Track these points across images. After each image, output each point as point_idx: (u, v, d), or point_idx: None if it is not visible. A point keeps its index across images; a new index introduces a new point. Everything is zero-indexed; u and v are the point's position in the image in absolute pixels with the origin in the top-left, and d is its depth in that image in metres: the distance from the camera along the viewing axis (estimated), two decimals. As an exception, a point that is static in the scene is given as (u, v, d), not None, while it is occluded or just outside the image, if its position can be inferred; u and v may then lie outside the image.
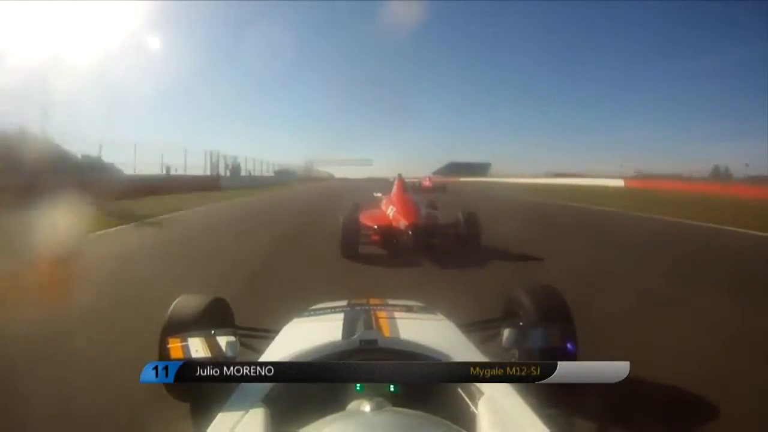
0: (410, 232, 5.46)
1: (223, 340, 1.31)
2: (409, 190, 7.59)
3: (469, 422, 0.93)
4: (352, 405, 0.78)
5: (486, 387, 0.98)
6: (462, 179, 63.86)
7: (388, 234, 5.75)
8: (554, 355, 1.62)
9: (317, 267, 5.22)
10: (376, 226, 5.85)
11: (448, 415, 1.00)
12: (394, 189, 7.18)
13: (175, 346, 1.32)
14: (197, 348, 1.31)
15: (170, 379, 1.16)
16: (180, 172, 24.72)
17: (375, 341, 1.13)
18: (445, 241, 5.94)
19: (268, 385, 1.00)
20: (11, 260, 4.96)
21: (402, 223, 5.66)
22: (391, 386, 1.05)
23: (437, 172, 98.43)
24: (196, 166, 27.54)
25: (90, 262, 5.47)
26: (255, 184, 32.55)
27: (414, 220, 5.66)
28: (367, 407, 0.73)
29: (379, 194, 7.90)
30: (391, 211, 6.23)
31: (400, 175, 7.86)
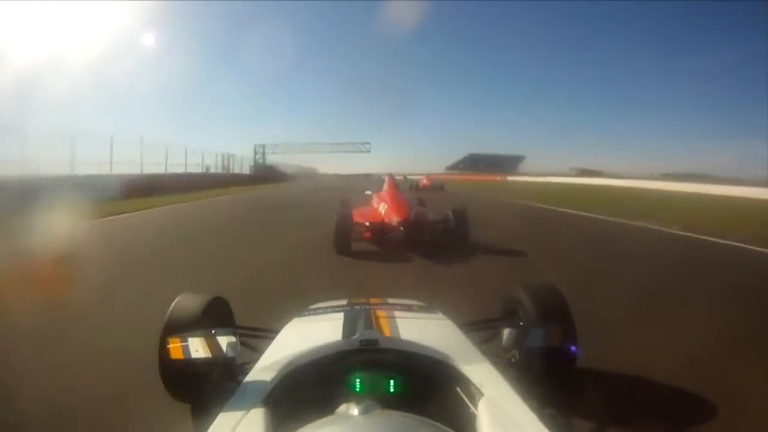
0: (401, 228, 5.70)
1: (223, 340, 1.31)
2: (399, 188, 7.91)
3: (468, 423, 0.93)
4: (341, 408, 0.76)
5: (485, 387, 0.98)
6: (488, 177, 50.89)
7: (380, 230, 5.91)
8: (555, 355, 1.63)
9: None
10: (368, 223, 5.99)
11: (448, 415, 1.00)
12: (385, 187, 7.50)
13: (175, 346, 1.32)
14: (197, 348, 1.31)
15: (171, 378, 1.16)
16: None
17: (375, 341, 1.13)
18: (436, 236, 6.13)
19: (268, 386, 1.00)
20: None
21: (394, 219, 5.87)
22: (391, 386, 1.05)
23: (452, 168, 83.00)
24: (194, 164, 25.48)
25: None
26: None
27: (405, 217, 5.88)
28: (356, 410, 0.71)
29: (369, 192, 8.09)
30: (383, 208, 6.45)
31: (390, 174, 8.35)
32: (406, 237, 5.73)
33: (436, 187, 22.78)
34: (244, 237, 7.70)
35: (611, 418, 1.89)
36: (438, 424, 0.74)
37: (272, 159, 48.88)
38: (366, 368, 1.08)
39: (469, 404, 0.98)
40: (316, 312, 1.53)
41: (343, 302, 1.54)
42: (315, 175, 63.48)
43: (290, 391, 1.03)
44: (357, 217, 6.08)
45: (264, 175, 38.86)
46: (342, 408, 0.76)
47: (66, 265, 4.84)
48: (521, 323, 1.78)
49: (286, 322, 1.47)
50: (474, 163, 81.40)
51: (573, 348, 1.71)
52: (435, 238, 6.07)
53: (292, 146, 51.22)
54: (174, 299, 1.82)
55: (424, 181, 23.85)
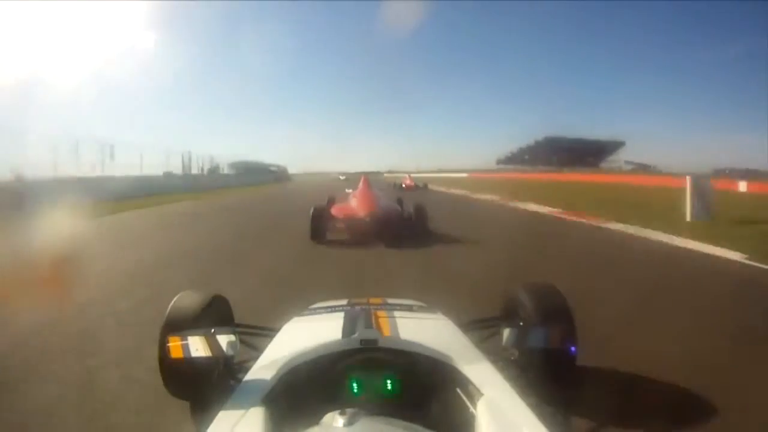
0: (368, 219, 6.48)
1: (222, 339, 1.31)
2: (373, 187, 8.79)
3: (467, 423, 0.93)
4: (326, 419, 0.75)
5: (485, 387, 0.98)
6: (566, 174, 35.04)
7: (352, 222, 6.67)
8: (554, 355, 1.63)
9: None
10: (342, 216, 6.81)
11: (447, 415, 1.00)
12: (360, 185, 8.53)
13: (175, 345, 1.32)
14: (197, 346, 1.31)
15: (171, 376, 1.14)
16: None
17: (375, 341, 1.13)
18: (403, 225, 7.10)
19: (267, 385, 1.00)
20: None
21: (362, 211, 6.71)
22: (390, 386, 1.06)
23: (506, 161, 58.03)
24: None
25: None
26: None
27: (372, 209, 6.71)
28: (340, 421, 0.70)
29: (350, 190, 8.89)
30: (355, 202, 7.45)
31: (366, 173, 10.08)
32: (372, 227, 6.43)
33: (419, 186, 24.68)
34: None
35: (610, 418, 1.89)
36: (422, 429, 0.73)
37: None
38: (365, 368, 1.08)
39: (469, 404, 0.98)
40: (316, 311, 1.53)
41: (343, 302, 1.54)
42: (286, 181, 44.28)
43: (290, 390, 1.04)
44: (334, 212, 7.00)
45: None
46: (327, 418, 0.76)
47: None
48: (521, 323, 1.78)
49: (286, 321, 1.48)
50: (549, 152, 52.06)
51: (573, 348, 1.72)
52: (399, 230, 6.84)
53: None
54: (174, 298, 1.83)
55: (407, 182, 25.80)
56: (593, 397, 1.94)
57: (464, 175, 31.24)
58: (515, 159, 60.51)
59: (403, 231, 6.81)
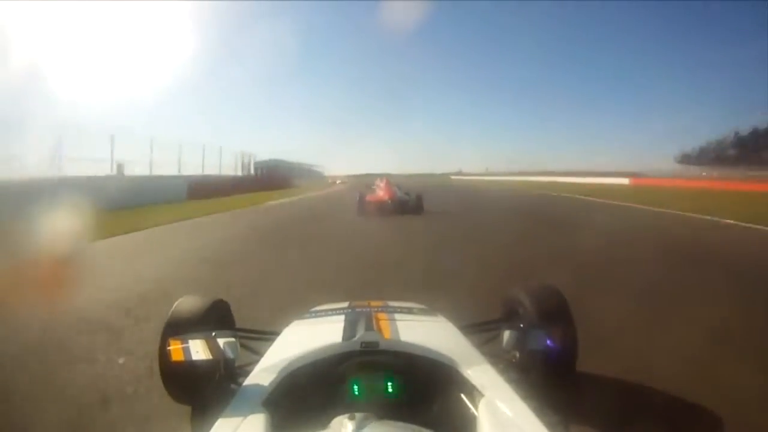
0: (389, 203, 12.10)
1: (223, 342, 1.31)
2: (392, 184, 14.51)
3: (469, 425, 0.93)
4: (335, 422, 0.75)
5: (486, 389, 0.98)
6: None
7: (379, 204, 12.17)
8: (555, 356, 1.63)
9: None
10: (373, 200, 12.45)
11: (448, 417, 1.00)
12: (383, 184, 14.24)
13: (176, 348, 1.32)
14: (198, 350, 1.31)
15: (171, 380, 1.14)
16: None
17: (376, 343, 1.13)
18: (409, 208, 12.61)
19: (268, 388, 1.00)
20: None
21: (384, 198, 12.49)
22: (391, 388, 1.06)
23: (696, 158, 39.11)
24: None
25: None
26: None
27: (390, 197, 12.52)
28: (350, 426, 0.70)
29: (374, 186, 14.89)
30: (380, 193, 13.36)
31: (387, 176, 14.28)
32: (390, 208, 11.85)
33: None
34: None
35: (610, 420, 1.89)
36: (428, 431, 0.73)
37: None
38: (366, 370, 1.08)
39: (470, 406, 0.98)
40: (317, 314, 1.53)
41: (344, 305, 1.55)
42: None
43: (291, 394, 1.04)
44: (368, 198, 12.56)
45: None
46: (336, 422, 0.75)
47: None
48: (521, 325, 1.78)
49: (287, 325, 1.48)
50: (748, 146, 32.75)
51: (573, 349, 1.71)
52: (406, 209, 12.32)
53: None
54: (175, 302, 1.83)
55: (377, 181, 28.56)
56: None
57: (624, 181, 19.67)
58: (709, 155, 36.49)
59: (408, 209, 12.09)
